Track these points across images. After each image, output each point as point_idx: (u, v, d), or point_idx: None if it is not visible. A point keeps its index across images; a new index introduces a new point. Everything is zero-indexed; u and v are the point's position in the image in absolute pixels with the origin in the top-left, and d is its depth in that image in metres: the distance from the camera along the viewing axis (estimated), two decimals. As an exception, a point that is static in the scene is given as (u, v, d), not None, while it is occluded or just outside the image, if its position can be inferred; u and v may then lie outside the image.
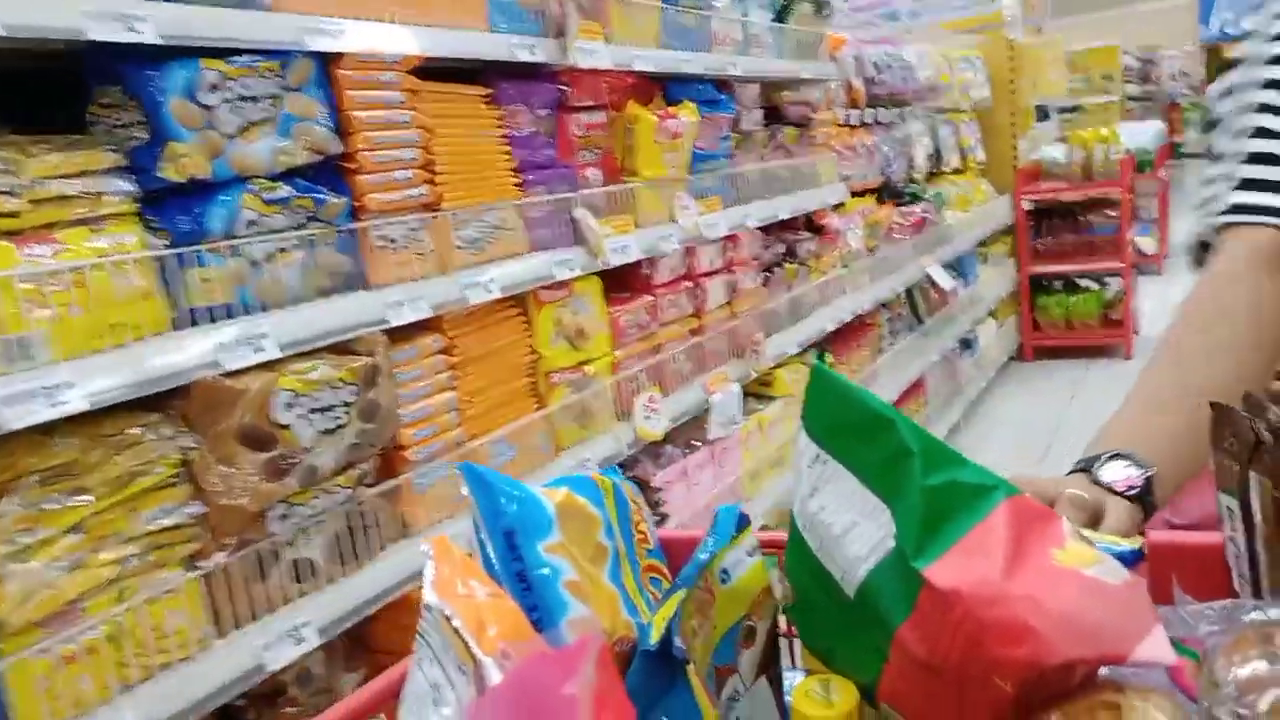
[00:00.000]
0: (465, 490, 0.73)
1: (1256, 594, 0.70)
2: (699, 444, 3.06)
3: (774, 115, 3.68)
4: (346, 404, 1.74)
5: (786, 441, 3.51)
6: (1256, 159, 1.08)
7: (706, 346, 3.09)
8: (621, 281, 2.83)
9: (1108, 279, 7.16)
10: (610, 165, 2.72)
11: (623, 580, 0.78)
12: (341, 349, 1.80)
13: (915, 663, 0.60)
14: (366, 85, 1.87)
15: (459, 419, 2.10)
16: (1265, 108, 1.11)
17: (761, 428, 3.39)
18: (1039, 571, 0.57)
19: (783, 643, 0.84)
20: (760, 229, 3.51)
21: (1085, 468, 0.89)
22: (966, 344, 6.25)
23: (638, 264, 2.80)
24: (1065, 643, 0.53)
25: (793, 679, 0.81)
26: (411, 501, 1.98)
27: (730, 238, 3.22)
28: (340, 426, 1.73)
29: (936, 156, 6.17)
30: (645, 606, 0.78)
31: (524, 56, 2.25)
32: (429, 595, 0.63)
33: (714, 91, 3.15)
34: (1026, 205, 7.07)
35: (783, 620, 0.83)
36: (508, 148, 2.27)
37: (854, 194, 4.72)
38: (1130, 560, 0.71)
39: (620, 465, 2.57)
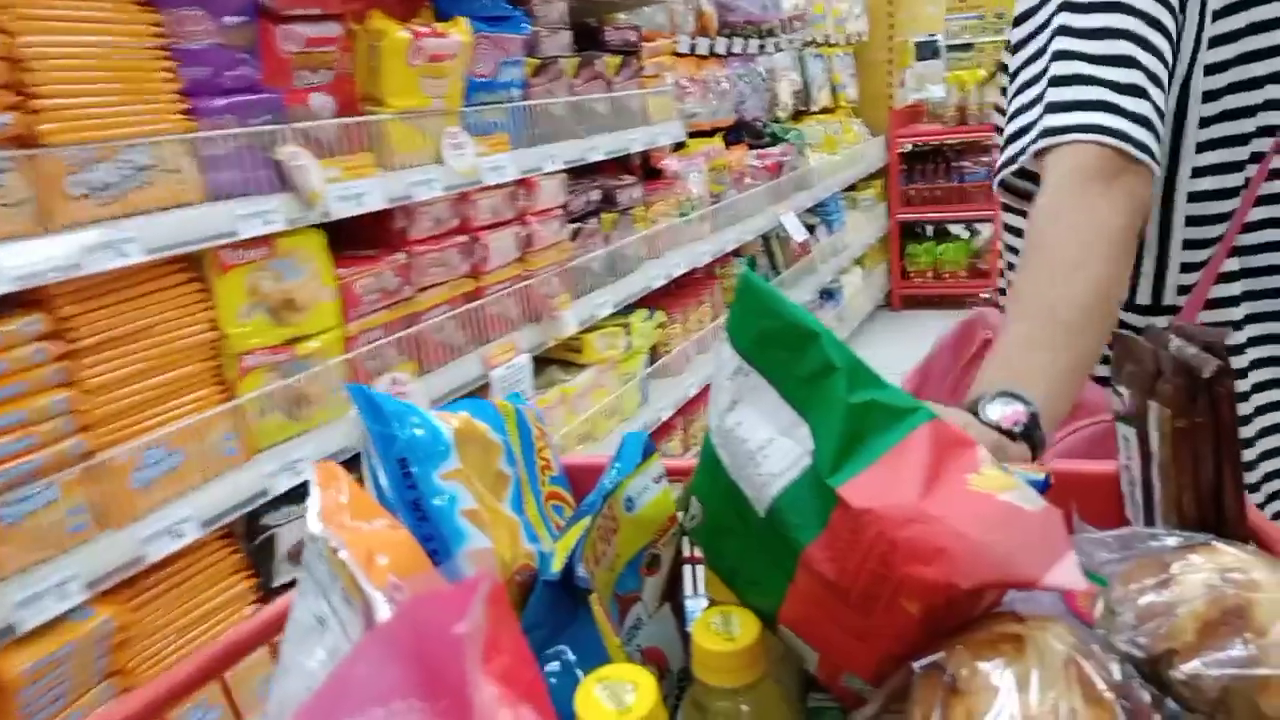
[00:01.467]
0: (354, 413, 0.68)
1: (1149, 522, 0.70)
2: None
3: (592, 41, 3.17)
4: None
5: (597, 413, 3.09)
6: (1060, 81, 1.04)
7: (490, 311, 2.62)
8: (369, 237, 2.33)
9: (978, 226, 6.93)
10: (348, 92, 2.19)
11: (524, 508, 0.75)
12: None
13: (821, 583, 0.59)
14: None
15: (75, 425, 1.59)
16: (1062, 30, 1.06)
17: (565, 399, 2.96)
18: (954, 494, 0.55)
19: (686, 570, 0.82)
20: (570, 173, 3.04)
21: (971, 408, 0.85)
22: (829, 294, 5.94)
23: (388, 215, 2.30)
24: (977, 565, 0.52)
25: (696, 606, 0.79)
26: (-7, 539, 1.48)
27: (523, 182, 2.73)
28: None
29: (805, 94, 5.76)
30: (548, 534, 0.76)
31: (187, -58, 1.69)
32: (313, 524, 0.58)
33: (505, 6, 2.63)
34: (903, 148, 6.74)
35: (686, 547, 0.81)
36: (169, 64, 1.73)
37: (701, 134, 4.27)
38: (1041, 489, 0.67)
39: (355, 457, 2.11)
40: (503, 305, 2.66)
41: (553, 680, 0.64)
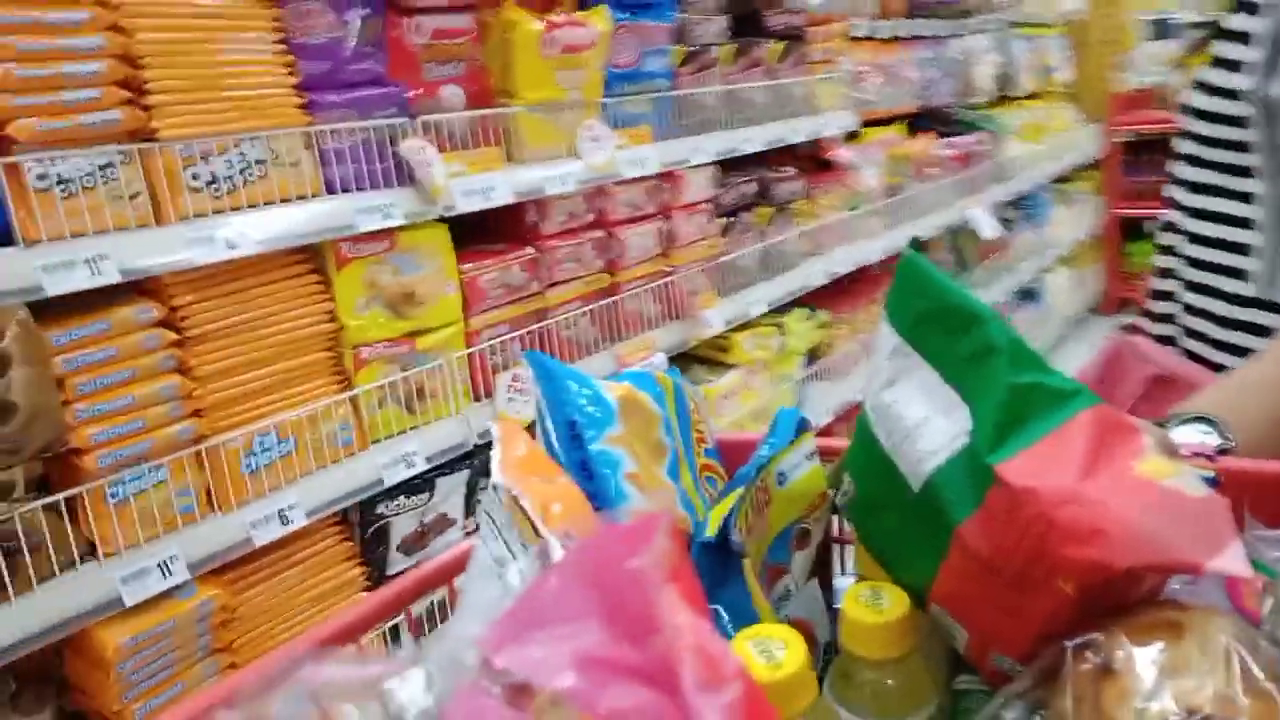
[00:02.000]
0: (530, 377, 0.74)
1: None
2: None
3: (753, 27, 3.03)
4: (-59, 404, 1.31)
5: (744, 417, 2.96)
6: None
7: (626, 308, 2.55)
8: (501, 230, 2.31)
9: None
10: (482, 84, 2.17)
11: (680, 478, 0.77)
12: (-40, 327, 1.35)
13: (975, 561, 0.58)
14: (7, -30, 1.38)
15: (185, 410, 1.64)
16: None
17: (709, 401, 2.85)
18: (1116, 477, 0.55)
19: (834, 549, 0.84)
20: (726, 165, 2.92)
21: (1160, 423, 0.83)
22: (1029, 295, 5.49)
23: (519, 208, 2.27)
24: (1136, 547, 0.51)
25: (844, 584, 0.81)
26: (101, 517, 1.55)
27: (667, 175, 2.64)
28: (-69, 434, 1.31)
29: (1008, 78, 5.34)
30: (701, 504, 0.77)
31: (307, -63, 1.71)
32: (496, 473, 0.63)
33: (652, -8, 2.54)
34: (1123, 137, 6.14)
35: (836, 525, 0.83)
36: (288, 58, 1.75)
37: (880, 122, 4.03)
38: (1210, 487, 0.62)
39: (468, 454, 2.10)
40: (640, 302, 2.58)
41: None
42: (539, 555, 0.60)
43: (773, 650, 0.56)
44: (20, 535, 1.46)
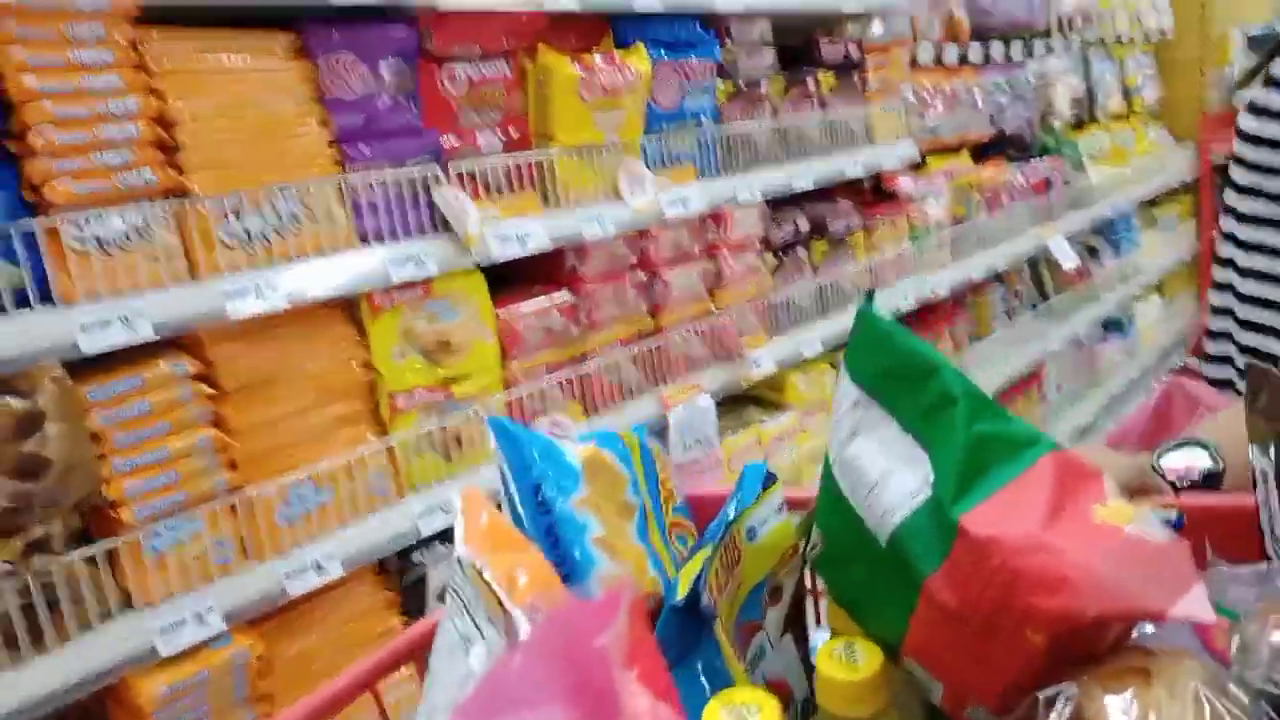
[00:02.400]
0: (493, 444, 0.72)
1: None
2: (657, 468, 2.51)
3: (805, 58, 3.00)
4: (-24, 461, 1.35)
5: (801, 460, 2.89)
6: None
7: (672, 350, 2.52)
8: (540, 274, 2.31)
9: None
10: (521, 129, 2.19)
11: (649, 537, 0.77)
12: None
13: (944, 614, 0.58)
14: (43, 44, 1.44)
15: (220, 462, 1.67)
16: None
17: (762, 443, 2.79)
18: (1078, 525, 0.55)
19: (808, 601, 0.83)
20: (784, 200, 2.88)
21: (1155, 449, 0.84)
22: (1115, 325, 5.27)
23: (558, 253, 2.27)
24: (1101, 596, 0.51)
25: (818, 638, 0.79)
26: (139, 569, 1.58)
27: (713, 215, 2.61)
28: (-34, 490, 1.35)
29: (1089, 100, 5.17)
30: (671, 563, 0.77)
31: (342, 0, 1.75)
32: (460, 548, 0.63)
33: (694, 30, 2.53)
34: (1218, 159, 5.86)
35: (809, 578, 0.83)
36: (322, 113, 1.79)
37: (948, 149, 3.93)
38: (1174, 528, 0.67)
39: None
40: (686, 344, 2.55)
41: (680, 702, 0.63)
42: (505, 631, 0.60)
43: (746, 716, 0.56)
44: (59, 587, 1.50)
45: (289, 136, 1.74)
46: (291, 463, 1.79)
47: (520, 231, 2.08)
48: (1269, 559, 0.70)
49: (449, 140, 2.02)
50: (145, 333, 1.53)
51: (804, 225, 2.96)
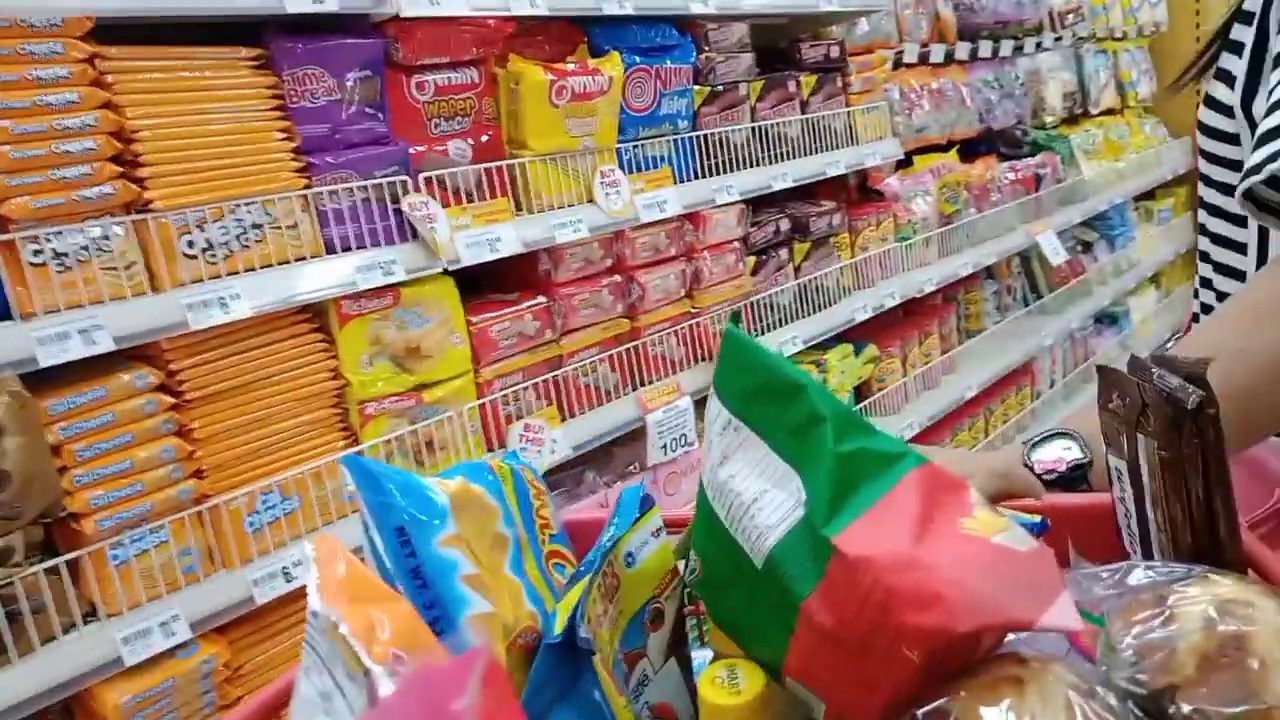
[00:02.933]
0: (350, 485, 0.70)
1: (1146, 554, 0.69)
2: (635, 471, 2.52)
3: (785, 61, 2.99)
4: (-68, 476, 1.36)
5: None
6: None
7: (650, 352, 2.52)
8: (514, 279, 2.32)
9: (1315, 239, 5.85)
10: (492, 136, 2.19)
11: (525, 569, 0.76)
12: (-45, 400, 1.42)
13: (822, 634, 0.58)
14: (-1, 59, 1.45)
15: (185, 471, 1.68)
16: None
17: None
18: (947, 539, 0.56)
19: (690, 621, 0.83)
20: (765, 201, 2.88)
21: (1027, 443, 0.85)
22: (1110, 319, 5.25)
23: (532, 257, 2.27)
24: (973, 610, 0.52)
25: (702, 657, 0.79)
26: (103, 579, 1.60)
27: (691, 217, 2.61)
28: (-77, 504, 1.36)
29: (1081, 95, 5.15)
30: (550, 594, 0.76)
31: (299, 8, 1.75)
32: (313, 601, 0.59)
33: (671, 34, 2.53)
34: (1213, 149, 5.84)
35: (689, 599, 0.82)
36: (284, 123, 1.80)
37: (937, 148, 3.92)
38: (1036, 532, 0.69)
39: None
40: (664, 346, 2.56)
41: None
42: (365, 689, 0.57)
43: None
44: (21, 599, 1.51)
45: (252, 148, 1.74)
46: (259, 471, 1.80)
47: (491, 236, 2.09)
48: (1127, 555, 0.71)
49: (418, 149, 2.03)
50: (105, 345, 1.54)
51: (785, 226, 2.96)
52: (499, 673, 0.49)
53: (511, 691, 0.52)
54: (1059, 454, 0.84)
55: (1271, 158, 0.92)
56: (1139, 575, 0.60)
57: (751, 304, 2.82)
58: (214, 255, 1.70)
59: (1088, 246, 5.10)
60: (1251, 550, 0.66)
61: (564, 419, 2.31)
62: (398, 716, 0.46)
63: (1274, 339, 0.88)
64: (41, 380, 1.53)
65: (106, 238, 1.57)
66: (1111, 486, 0.72)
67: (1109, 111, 5.41)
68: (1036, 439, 0.87)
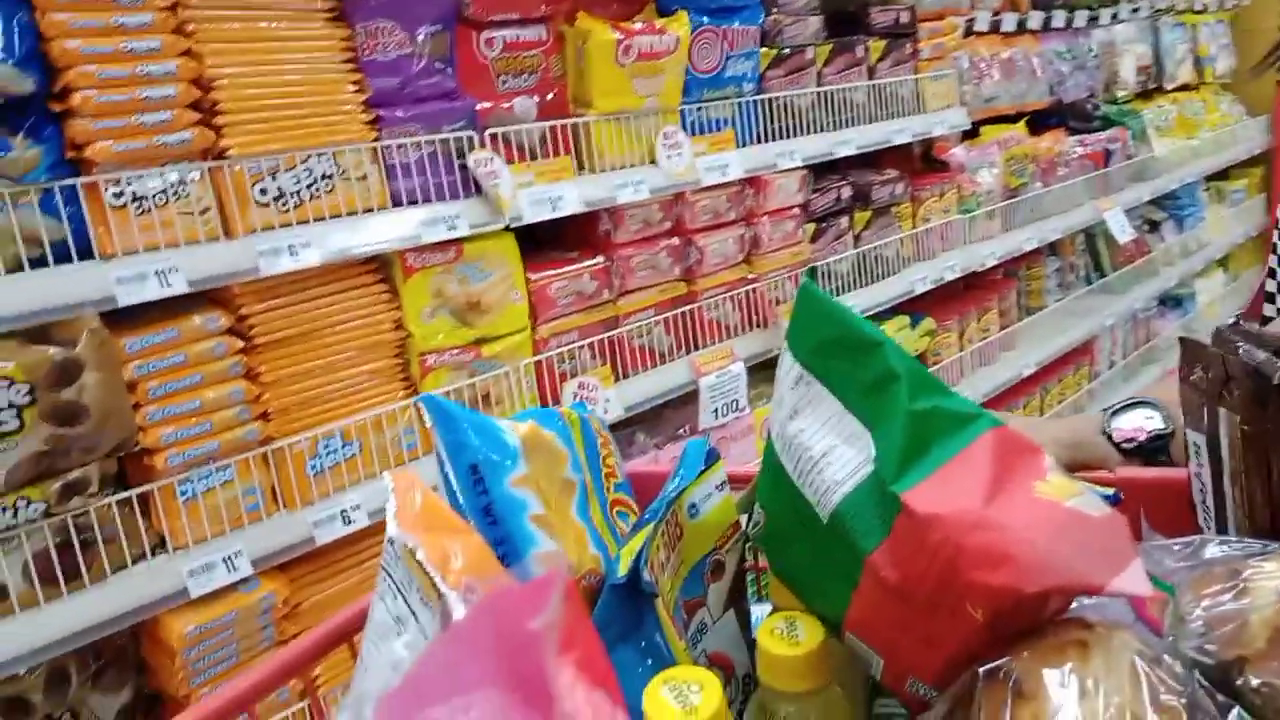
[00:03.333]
0: (429, 423, 0.71)
1: (1222, 530, 0.68)
2: (685, 434, 2.54)
3: (854, 25, 2.94)
4: (17, 406, 1.42)
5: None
6: None
7: (705, 316, 2.53)
8: (575, 238, 2.33)
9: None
10: (558, 94, 2.20)
11: (590, 515, 0.76)
12: (40, 336, 1.47)
13: (886, 590, 0.59)
14: (86, 7, 1.48)
15: (252, 413, 1.73)
16: None
17: (797, 412, 2.79)
18: (1019, 501, 0.56)
19: (750, 576, 0.83)
20: (829, 168, 2.85)
21: (1107, 410, 0.84)
22: (1175, 301, 5.13)
23: (593, 217, 2.28)
24: (1043, 571, 0.52)
25: (760, 612, 0.80)
26: (171, 513, 1.66)
27: (752, 181, 2.60)
28: (8, 434, 1.42)
29: (1157, 69, 5.00)
30: (613, 541, 0.77)
31: (374, -42, 1.77)
32: (391, 528, 0.62)
33: (737, -5, 2.50)
34: (1293, 129, 5.65)
35: (751, 555, 0.83)
36: (356, 76, 1.82)
37: (1005, 119, 3.84)
38: (1111, 504, 0.63)
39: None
40: (720, 310, 2.56)
41: (622, 681, 0.62)
42: (440, 614, 0.59)
43: (688, 695, 0.56)
44: (95, 528, 1.57)
45: (325, 99, 1.77)
46: (322, 416, 1.84)
47: (553, 195, 2.10)
48: (1200, 531, 0.70)
49: (485, 105, 2.04)
50: (180, 287, 1.58)
51: (847, 193, 2.93)
52: (576, 593, 0.50)
53: (587, 614, 0.54)
54: (1140, 423, 0.83)
55: None
56: (1213, 549, 0.59)
57: (812, 269, 2.81)
58: (285, 204, 1.73)
59: (1155, 226, 4.98)
60: None
61: (617, 379, 2.33)
62: (475, 632, 0.47)
63: None
64: (119, 319, 1.58)
65: (184, 182, 1.61)
66: (1188, 460, 0.71)
67: (1184, 87, 5.25)
68: (1118, 406, 0.86)
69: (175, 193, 1.61)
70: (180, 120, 1.60)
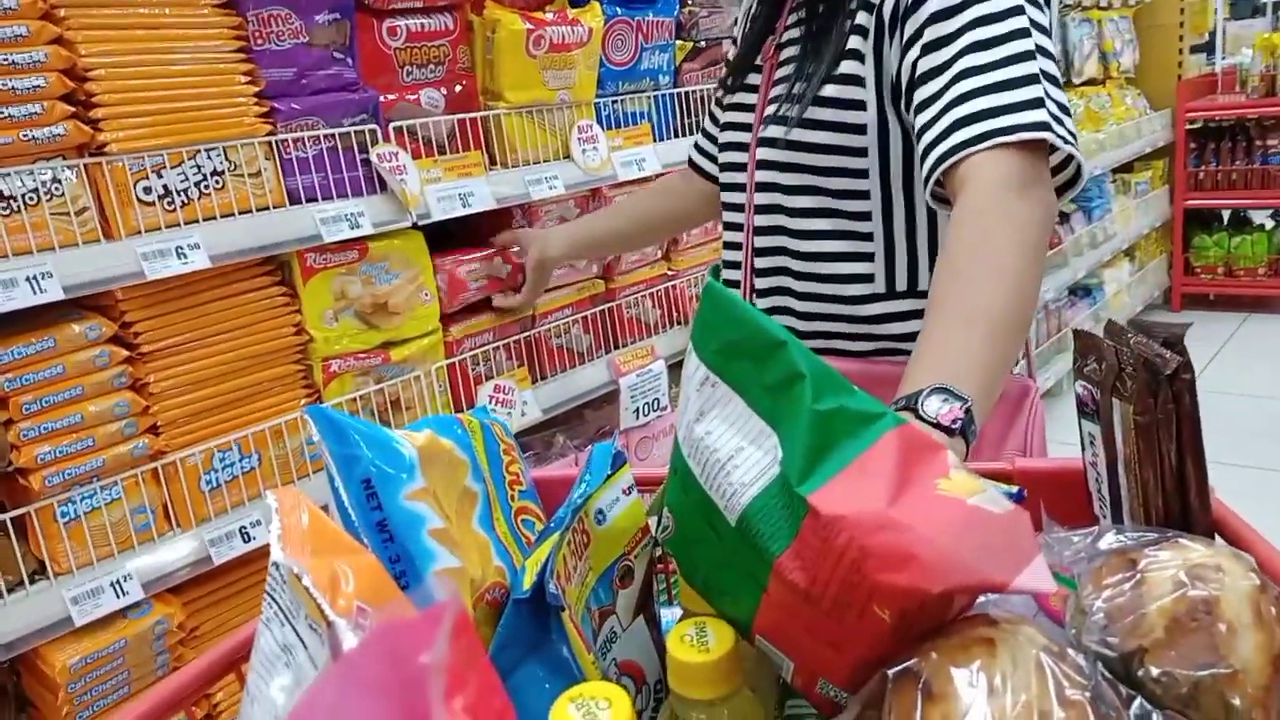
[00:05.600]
0: (315, 436, 0.67)
1: (1117, 518, 0.69)
2: (606, 434, 2.49)
3: (770, 16, 2.91)
4: None
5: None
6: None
7: (624, 314, 2.47)
8: (488, 235, 2.25)
9: (1287, 217, 5.88)
10: (467, 87, 2.12)
11: (494, 525, 0.74)
12: (-107, 348, 1.35)
13: (794, 593, 0.58)
14: (-61, -14, 1.36)
15: (139, 427, 1.62)
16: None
17: (718, 409, 2.76)
18: (923, 499, 0.56)
19: (659, 579, 0.82)
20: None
21: (907, 406, 0.86)
22: (1084, 291, 5.26)
23: (506, 213, 2.21)
24: (947, 570, 0.52)
25: (671, 615, 0.79)
26: (51, 536, 1.54)
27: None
28: None
29: (1065, 63, 5.11)
30: (518, 551, 0.75)
31: (264, -58, 1.66)
32: (275, 552, 0.58)
33: (654, -14, 2.45)
34: (1194, 124, 5.84)
35: (660, 557, 0.82)
36: (248, 66, 1.72)
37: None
38: (1016, 501, 0.64)
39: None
40: (640, 308, 2.51)
41: (527, 699, 0.63)
42: (328, 641, 0.55)
43: (596, 712, 0.55)
44: (-39, 555, 1.45)
45: (214, 91, 1.66)
46: (217, 428, 1.74)
47: (463, 191, 2.02)
48: (1097, 520, 0.71)
49: (389, 97, 1.95)
50: (55, 293, 1.46)
51: (764, 188, 2.90)
52: (468, 625, 0.48)
53: (480, 644, 0.52)
54: (949, 407, 0.84)
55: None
56: (1110, 539, 0.60)
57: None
58: (171, 202, 1.63)
59: (1065, 218, 5.09)
60: (1221, 515, 0.67)
61: (535, 381, 2.26)
62: (362, 669, 0.45)
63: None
64: (-14, 329, 1.46)
65: (57, 181, 1.50)
66: (1084, 451, 0.73)
67: (1091, 81, 5.38)
68: (920, 397, 0.87)
69: (48, 192, 1.49)
70: (52, 113, 1.48)
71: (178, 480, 1.67)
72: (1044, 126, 1.03)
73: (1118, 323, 0.70)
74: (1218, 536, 0.66)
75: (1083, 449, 0.74)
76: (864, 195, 1.28)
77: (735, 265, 1.48)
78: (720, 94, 1.50)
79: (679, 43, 2.53)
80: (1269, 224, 5.88)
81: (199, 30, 1.64)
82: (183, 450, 1.68)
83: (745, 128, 1.40)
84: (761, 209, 1.37)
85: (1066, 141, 1.05)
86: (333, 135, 1.83)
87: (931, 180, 1.10)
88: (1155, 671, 0.51)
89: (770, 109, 1.33)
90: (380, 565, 0.63)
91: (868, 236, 1.30)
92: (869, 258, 1.31)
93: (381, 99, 1.92)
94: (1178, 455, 0.65)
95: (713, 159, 1.57)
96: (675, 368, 2.57)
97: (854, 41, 1.23)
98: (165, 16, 1.60)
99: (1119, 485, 0.69)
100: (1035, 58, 1.07)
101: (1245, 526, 0.66)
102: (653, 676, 0.76)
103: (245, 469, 1.77)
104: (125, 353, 1.59)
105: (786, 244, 1.36)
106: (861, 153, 1.26)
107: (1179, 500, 0.66)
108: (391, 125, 1.93)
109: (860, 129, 1.25)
